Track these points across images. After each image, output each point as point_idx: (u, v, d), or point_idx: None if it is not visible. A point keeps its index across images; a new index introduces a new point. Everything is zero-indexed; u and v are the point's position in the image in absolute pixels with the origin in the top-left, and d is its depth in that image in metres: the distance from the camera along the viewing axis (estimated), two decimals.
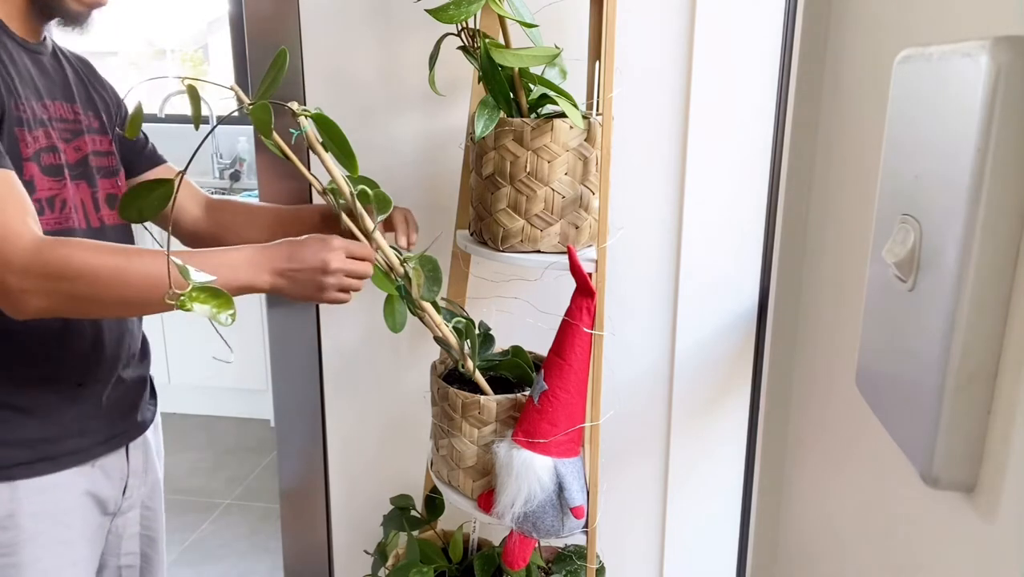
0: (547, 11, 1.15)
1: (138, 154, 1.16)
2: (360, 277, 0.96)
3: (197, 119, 0.83)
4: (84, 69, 1.10)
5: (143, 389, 1.13)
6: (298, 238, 0.95)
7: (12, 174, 0.86)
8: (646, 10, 1.20)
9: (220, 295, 0.71)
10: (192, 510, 2.54)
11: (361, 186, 0.93)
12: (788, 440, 0.95)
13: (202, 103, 0.83)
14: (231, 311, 0.72)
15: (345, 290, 0.96)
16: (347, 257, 0.94)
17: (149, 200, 0.84)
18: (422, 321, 1.04)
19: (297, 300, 0.96)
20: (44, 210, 0.95)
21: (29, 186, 0.92)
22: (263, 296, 2.14)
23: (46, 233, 0.94)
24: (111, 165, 1.08)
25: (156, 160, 1.19)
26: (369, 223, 0.94)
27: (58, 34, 1.06)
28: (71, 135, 1.01)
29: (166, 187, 0.84)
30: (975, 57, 0.41)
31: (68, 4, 0.97)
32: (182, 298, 0.69)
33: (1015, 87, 0.40)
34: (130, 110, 1.10)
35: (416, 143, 1.32)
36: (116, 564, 1.13)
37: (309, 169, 0.98)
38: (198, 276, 0.71)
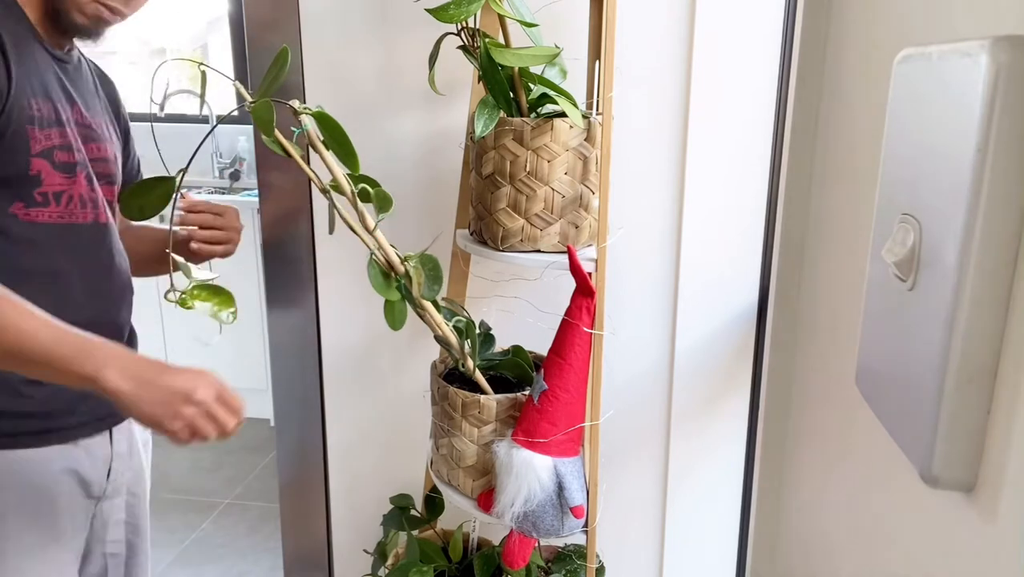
0: (547, 11, 1.15)
1: (123, 164, 1.18)
2: (220, 427, 0.87)
3: (203, 96, 0.83)
4: (103, 81, 1.18)
5: None
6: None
7: None
8: (646, 10, 1.20)
9: (221, 292, 0.71)
10: (192, 510, 2.54)
11: (362, 184, 0.93)
12: (788, 440, 0.95)
13: (202, 103, 0.83)
14: (232, 309, 0.72)
15: (195, 432, 0.87)
16: (217, 398, 0.87)
17: (150, 198, 0.85)
18: (422, 319, 1.04)
19: (140, 416, 0.85)
20: (50, 203, 0.99)
21: (36, 180, 0.96)
22: (262, 296, 2.15)
23: (50, 224, 0.99)
24: (113, 173, 1.12)
25: (133, 175, 1.22)
26: (370, 221, 0.94)
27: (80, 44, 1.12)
28: (86, 139, 1.06)
29: (167, 185, 0.84)
30: (975, 57, 0.41)
31: (75, 18, 1.02)
32: (183, 296, 0.70)
33: (1015, 87, 0.40)
34: (127, 111, 1.17)
35: (416, 143, 1.32)
36: (101, 551, 1.15)
37: (309, 167, 0.98)
38: (200, 274, 0.72)
